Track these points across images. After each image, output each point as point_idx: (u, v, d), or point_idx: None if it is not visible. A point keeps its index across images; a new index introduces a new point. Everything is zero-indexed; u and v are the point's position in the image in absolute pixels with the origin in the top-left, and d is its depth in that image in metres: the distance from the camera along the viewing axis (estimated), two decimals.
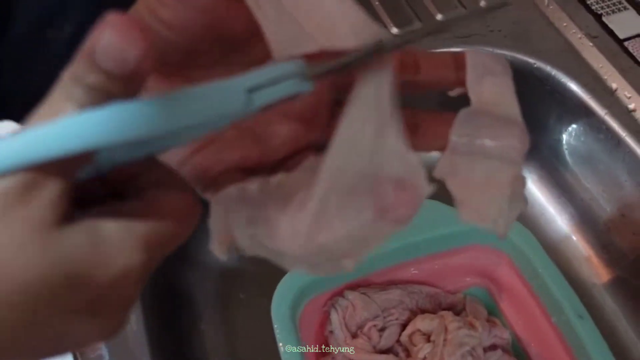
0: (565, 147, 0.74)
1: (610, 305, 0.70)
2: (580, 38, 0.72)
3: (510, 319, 0.67)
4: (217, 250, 0.30)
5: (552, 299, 0.61)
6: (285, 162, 0.31)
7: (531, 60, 0.72)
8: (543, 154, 0.77)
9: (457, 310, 0.67)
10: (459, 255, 0.67)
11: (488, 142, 0.31)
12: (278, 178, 0.29)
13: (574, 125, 0.72)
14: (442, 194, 0.62)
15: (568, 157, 0.74)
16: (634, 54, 0.70)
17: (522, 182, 0.33)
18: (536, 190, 0.78)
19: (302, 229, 0.27)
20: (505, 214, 0.32)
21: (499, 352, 0.64)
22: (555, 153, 0.75)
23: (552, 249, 0.72)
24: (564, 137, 0.74)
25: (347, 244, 0.27)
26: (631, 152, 0.66)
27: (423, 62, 0.31)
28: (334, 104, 0.32)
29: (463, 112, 0.31)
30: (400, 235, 0.64)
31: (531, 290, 0.64)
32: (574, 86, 0.70)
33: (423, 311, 0.66)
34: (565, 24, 0.74)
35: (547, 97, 0.72)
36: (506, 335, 0.65)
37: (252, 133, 0.31)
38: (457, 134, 0.31)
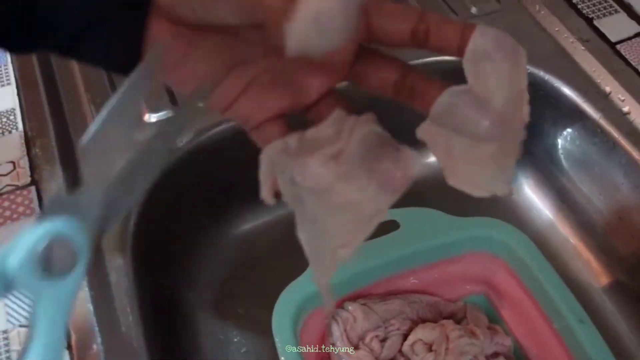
0: (560, 151, 0.74)
1: (611, 309, 0.70)
2: (572, 42, 0.73)
3: (511, 325, 0.67)
4: (266, 196, 0.36)
5: (552, 304, 0.61)
6: (314, 106, 0.38)
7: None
8: (539, 159, 0.77)
9: (457, 318, 0.67)
10: (457, 263, 0.67)
11: (461, 121, 0.33)
12: (312, 132, 0.35)
13: (568, 129, 0.72)
14: (439, 203, 0.62)
15: (564, 161, 0.74)
16: (626, 56, 0.70)
17: (507, 153, 0.35)
18: (533, 194, 0.78)
19: (328, 174, 0.34)
20: (495, 181, 0.35)
21: (501, 359, 0.64)
22: (551, 157, 0.75)
23: (551, 253, 0.72)
24: (559, 141, 0.74)
25: (354, 212, 0.35)
26: (627, 154, 0.66)
27: (433, 31, 0.33)
28: (354, 56, 0.36)
29: (451, 90, 0.34)
30: (398, 245, 0.64)
31: (531, 295, 0.63)
32: (567, 90, 0.70)
33: (424, 320, 0.65)
34: (557, 29, 0.74)
35: (541, 101, 0.72)
36: (508, 342, 0.65)
37: (286, 83, 0.37)
38: (438, 107, 0.34)
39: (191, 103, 0.35)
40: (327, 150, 0.34)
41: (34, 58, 0.74)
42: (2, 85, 0.70)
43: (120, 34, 0.34)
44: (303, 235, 0.37)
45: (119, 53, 0.35)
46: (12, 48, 0.36)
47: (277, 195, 0.36)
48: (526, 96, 0.34)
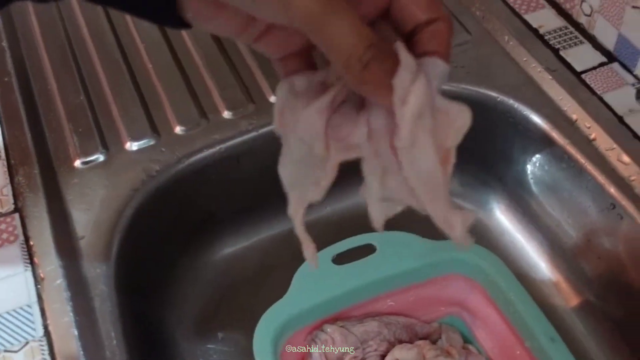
0: (530, 176, 0.76)
1: (580, 329, 0.72)
2: (540, 72, 0.75)
3: (485, 345, 0.69)
4: (277, 126, 0.38)
5: (524, 323, 0.63)
6: None
7: (494, 94, 0.74)
8: (509, 184, 0.79)
9: (433, 339, 0.69)
10: (433, 286, 0.69)
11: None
12: (318, 75, 0.37)
13: (537, 156, 0.74)
14: (414, 227, 0.64)
15: (533, 186, 0.77)
16: (592, 85, 0.73)
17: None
18: (504, 218, 0.80)
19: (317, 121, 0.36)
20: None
21: None
22: (521, 183, 0.78)
23: (522, 275, 0.74)
24: (529, 167, 0.76)
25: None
26: (593, 179, 0.68)
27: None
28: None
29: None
30: (375, 268, 0.66)
31: (504, 316, 0.66)
32: (536, 118, 0.73)
33: (401, 341, 0.67)
34: (525, 59, 0.77)
35: (511, 129, 0.75)
36: None
37: None
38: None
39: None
40: (322, 101, 0.36)
41: (15, 85, 0.75)
42: None
43: None
44: (283, 172, 0.38)
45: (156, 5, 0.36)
46: None
47: None
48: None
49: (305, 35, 0.33)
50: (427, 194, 0.35)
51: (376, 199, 0.38)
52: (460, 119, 0.35)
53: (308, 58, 0.38)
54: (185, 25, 0.36)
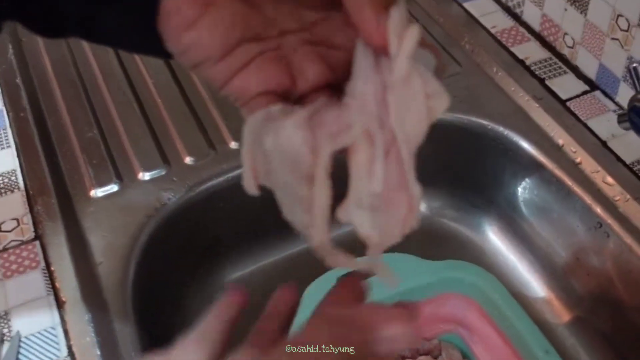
0: (520, 199, 0.81)
1: (572, 343, 0.76)
2: (527, 100, 0.80)
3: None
4: (249, 185, 0.36)
5: (519, 338, 0.67)
6: (306, 96, 0.37)
7: (485, 122, 0.79)
8: (501, 207, 0.83)
9: (434, 355, 0.72)
10: (432, 304, 0.72)
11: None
12: (296, 108, 0.35)
13: (527, 180, 0.79)
14: (413, 248, 0.68)
15: (524, 209, 0.81)
16: (576, 112, 0.78)
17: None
18: (497, 240, 0.84)
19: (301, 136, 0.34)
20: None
21: None
22: (512, 206, 0.82)
23: (516, 293, 0.78)
24: (519, 190, 0.80)
25: None
26: (580, 200, 0.73)
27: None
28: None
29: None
30: (376, 289, 0.69)
31: (500, 331, 0.69)
32: (525, 144, 0.77)
33: (403, 357, 0.70)
34: (513, 88, 0.81)
35: (501, 155, 0.79)
36: None
37: (288, 64, 0.37)
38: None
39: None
40: (302, 113, 0.35)
41: (30, 120, 0.78)
42: (2, 148, 0.75)
43: (134, 8, 0.35)
44: (289, 217, 0.37)
45: (134, 29, 0.35)
46: (40, 33, 0.38)
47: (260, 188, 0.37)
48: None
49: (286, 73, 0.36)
50: (407, 145, 0.34)
51: (362, 202, 0.35)
52: (440, 100, 0.34)
53: (275, 98, 0.36)
54: (165, 51, 0.36)
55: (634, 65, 0.57)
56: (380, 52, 0.33)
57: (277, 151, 0.35)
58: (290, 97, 0.37)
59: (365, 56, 0.35)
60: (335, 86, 0.37)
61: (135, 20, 0.35)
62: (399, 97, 0.33)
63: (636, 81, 0.57)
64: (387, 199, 0.35)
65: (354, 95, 0.35)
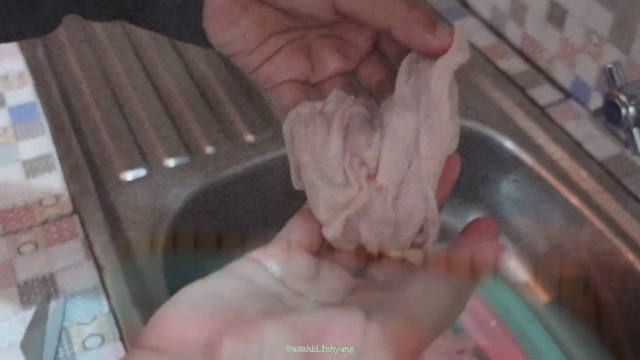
0: (505, 194, 0.89)
1: (552, 320, 0.84)
2: (510, 106, 0.88)
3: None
4: (296, 181, 0.39)
5: (509, 314, 0.75)
6: (323, 82, 0.42)
7: (474, 126, 0.87)
8: (486, 203, 0.92)
9: None
10: None
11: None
12: (320, 104, 0.39)
13: (510, 175, 0.87)
14: None
15: (508, 202, 0.89)
16: (553, 117, 0.87)
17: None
18: None
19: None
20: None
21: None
22: (497, 201, 0.90)
23: (502, 279, 0.86)
24: (502, 185, 0.89)
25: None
26: (558, 193, 0.81)
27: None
28: (372, 49, 0.42)
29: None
30: None
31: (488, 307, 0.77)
32: (508, 144, 0.86)
33: None
34: (498, 96, 0.90)
35: (486, 154, 0.87)
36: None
37: (309, 56, 0.42)
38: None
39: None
40: (338, 136, 0.37)
41: (62, 110, 0.85)
42: (39, 135, 0.82)
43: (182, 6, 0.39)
44: (310, 203, 0.38)
45: (182, 23, 0.40)
46: (88, 16, 0.41)
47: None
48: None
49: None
50: (428, 180, 0.36)
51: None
52: (456, 141, 0.37)
53: (300, 87, 0.42)
54: (206, 40, 0.41)
55: (609, 66, 0.66)
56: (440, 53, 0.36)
57: (313, 169, 0.37)
58: (309, 83, 0.42)
59: (404, 86, 0.38)
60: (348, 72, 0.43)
61: (182, 17, 0.40)
62: (431, 138, 0.36)
63: (610, 80, 0.66)
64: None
65: (387, 124, 0.37)
